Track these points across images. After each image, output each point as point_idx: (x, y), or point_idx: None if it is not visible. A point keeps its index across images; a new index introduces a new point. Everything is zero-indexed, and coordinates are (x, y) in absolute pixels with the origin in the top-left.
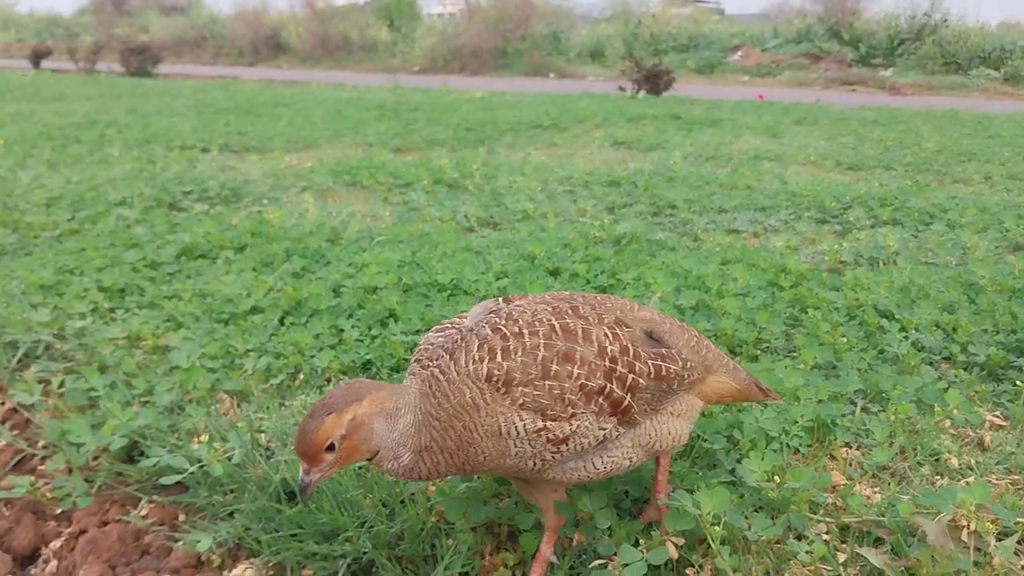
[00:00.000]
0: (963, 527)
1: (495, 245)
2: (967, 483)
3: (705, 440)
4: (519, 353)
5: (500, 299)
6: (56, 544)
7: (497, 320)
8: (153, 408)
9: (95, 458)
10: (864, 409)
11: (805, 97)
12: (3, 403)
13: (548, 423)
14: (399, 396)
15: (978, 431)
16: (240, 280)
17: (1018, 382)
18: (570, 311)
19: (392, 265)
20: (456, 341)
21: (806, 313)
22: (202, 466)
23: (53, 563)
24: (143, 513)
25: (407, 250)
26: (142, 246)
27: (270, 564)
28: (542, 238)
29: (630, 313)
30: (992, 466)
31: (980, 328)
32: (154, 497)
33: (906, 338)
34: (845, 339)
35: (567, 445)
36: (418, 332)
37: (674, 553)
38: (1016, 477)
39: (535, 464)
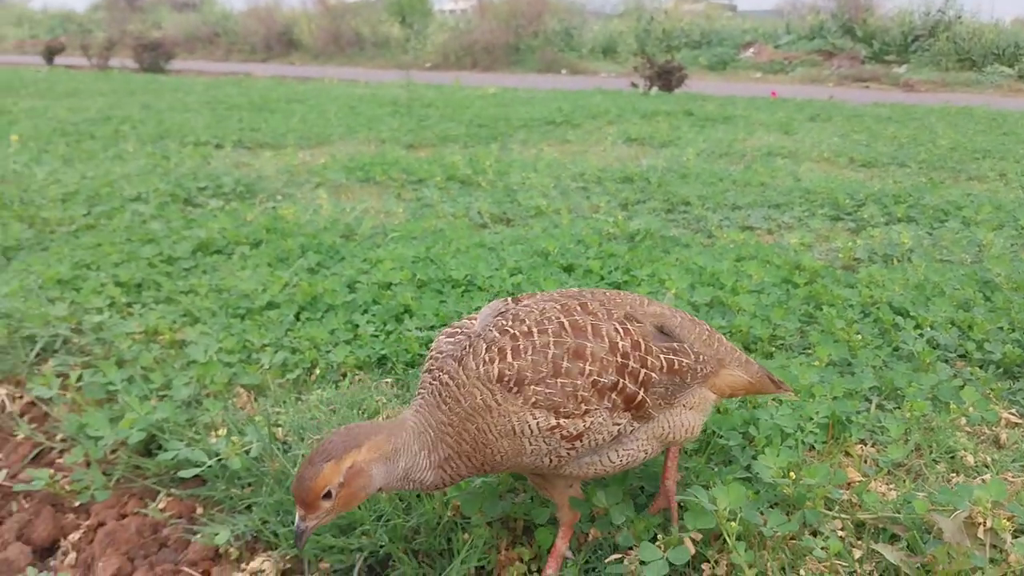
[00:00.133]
0: (979, 524)
1: (508, 241)
2: (983, 480)
3: (721, 436)
4: (529, 352)
5: (508, 299)
6: (75, 536)
7: (504, 322)
8: (171, 402)
9: (113, 451)
10: (879, 406)
11: (818, 94)
12: (21, 397)
13: (562, 420)
14: (396, 436)
15: (994, 429)
16: (256, 275)
17: None
18: (579, 308)
19: (406, 261)
20: (465, 347)
21: (821, 310)
22: (220, 460)
23: (72, 555)
24: (161, 506)
25: (421, 246)
26: (158, 241)
27: (287, 557)
28: (555, 234)
29: (640, 308)
30: (1008, 464)
31: (996, 326)
32: (172, 490)
33: (921, 335)
34: (860, 336)
35: (581, 441)
36: (432, 328)
37: (691, 549)
38: None
39: (551, 461)
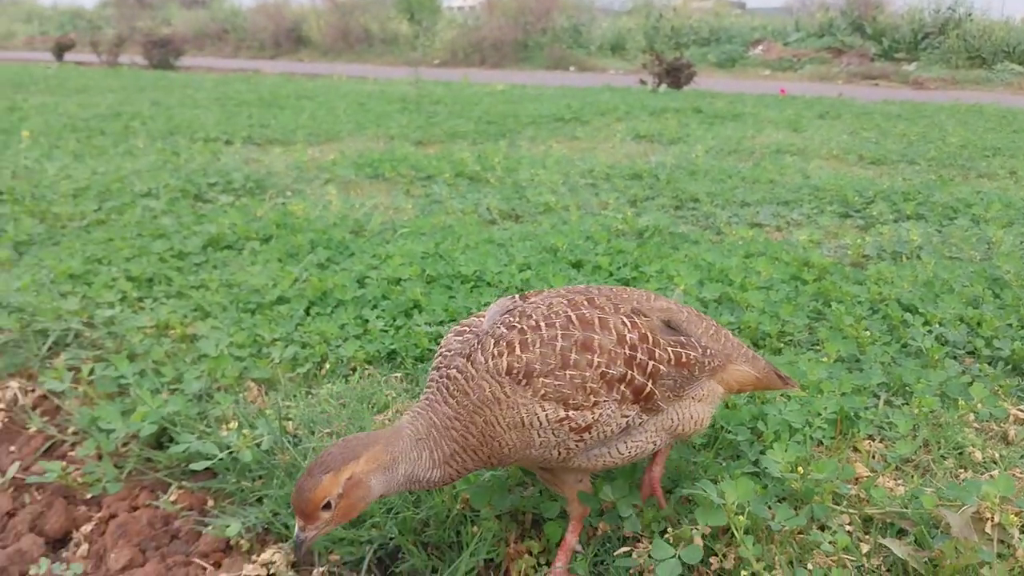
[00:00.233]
0: (987, 519)
1: (517, 237)
2: (991, 476)
3: (729, 431)
4: (537, 345)
5: (516, 296)
6: (87, 528)
7: (512, 319)
8: (182, 395)
9: (125, 444)
10: (887, 402)
11: (827, 91)
12: (34, 390)
13: (571, 412)
14: (393, 445)
15: (1002, 425)
16: (266, 271)
17: None
18: (586, 302)
19: (415, 257)
20: (473, 345)
21: (829, 307)
22: (231, 452)
23: (84, 546)
24: (172, 498)
25: (430, 242)
26: (169, 236)
27: None
28: (564, 231)
29: (647, 303)
30: (1016, 460)
31: (1005, 322)
32: (183, 483)
33: (930, 332)
34: (868, 333)
35: (590, 433)
36: (442, 323)
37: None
38: None
39: (559, 453)
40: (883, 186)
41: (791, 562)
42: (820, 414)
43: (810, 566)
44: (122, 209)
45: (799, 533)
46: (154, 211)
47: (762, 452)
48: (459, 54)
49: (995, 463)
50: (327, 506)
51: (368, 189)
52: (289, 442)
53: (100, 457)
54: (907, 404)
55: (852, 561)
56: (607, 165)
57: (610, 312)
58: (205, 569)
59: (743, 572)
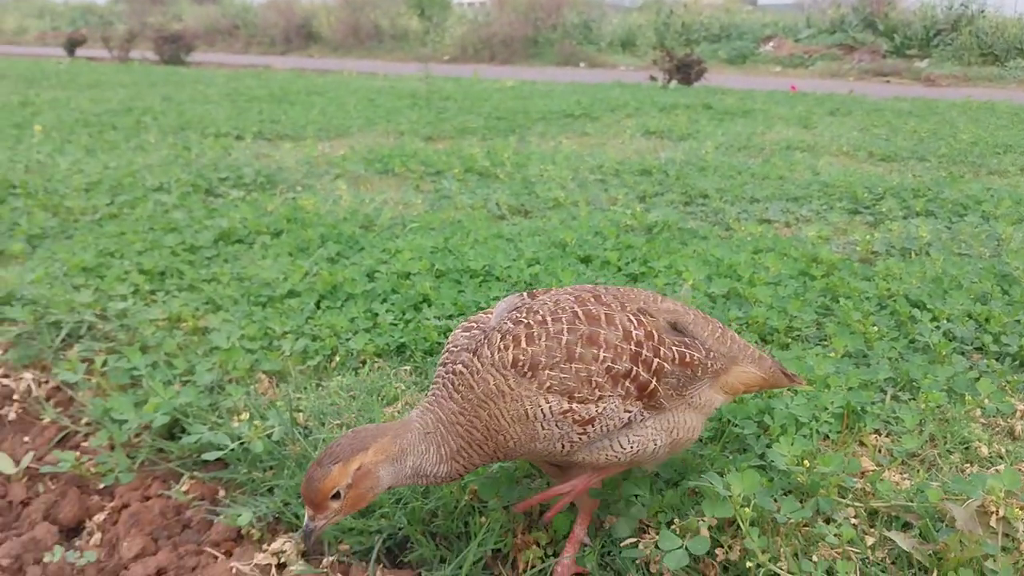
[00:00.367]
0: (992, 513)
1: (526, 232)
2: (997, 471)
3: (736, 425)
4: (543, 339)
5: (524, 294)
6: (100, 517)
7: (519, 315)
8: (194, 387)
9: (137, 435)
10: (894, 397)
11: (838, 88)
12: (47, 381)
13: (574, 405)
14: (402, 437)
15: (1009, 420)
16: (277, 264)
17: None
18: (593, 299)
19: (425, 251)
20: (480, 340)
21: (837, 302)
22: (242, 443)
23: (97, 535)
24: (184, 488)
25: (439, 237)
26: (181, 230)
27: None
28: (573, 226)
29: (654, 304)
30: (1023, 455)
31: (1013, 319)
32: (195, 473)
33: (937, 328)
34: (876, 328)
35: (593, 426)
36: (451, 317)
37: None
38: None
39: (563, 446)
40: (893, 183)
41: (796, 554)
42: (827, 408)
43: (815, 558)
44: (134, 203)
45: (804, 525)
46: (166, 205)
47: (768, 446)
48: (469, 50)
49: (1001, 458)
50: (336, 496)
51: (378, 184)
52: (300, 433)
53: (113, 447)
54: (914, 399)
55: (857, 553)
56: (617, 161)
57: (617, 310)
58: (216, 558)
59: (748, 563)
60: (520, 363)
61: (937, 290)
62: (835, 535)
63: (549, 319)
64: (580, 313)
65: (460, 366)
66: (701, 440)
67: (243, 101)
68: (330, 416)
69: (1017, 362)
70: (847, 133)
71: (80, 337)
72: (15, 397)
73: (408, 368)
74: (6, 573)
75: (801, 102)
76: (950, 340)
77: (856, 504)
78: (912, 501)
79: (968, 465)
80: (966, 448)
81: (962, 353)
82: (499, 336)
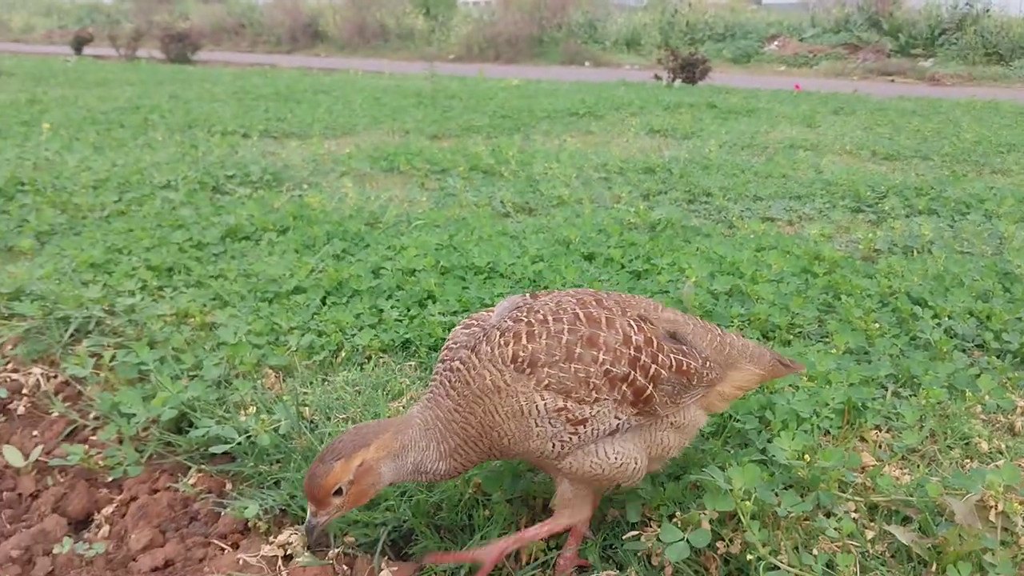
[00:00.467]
0: (991, 507)
1: (531, 230)
2: (997, 466)
3: (737, 420)
4: (544, 337)
5: (526, 294)
6: (108, 510)
7: (519, 314)
8: (201, 381)
9: (145, 429)
10: (895, 393)
11: (843, 87)
12: (56, 376)
13: (569, 403)
14: (403, 433)
15: (1009, 417)
16: (283, 261)
17: None
18: (594, 302)
19: (430, 248)
20: (479, 338)
21: (839, 300)
22: (249, 437)
23: (106, 527)
24: (192, 481)
25: (444, 234)
26: (188, 227)
27: None
28: (577, 223)
29: (654, 312)
30: (1023, 450)
31: (1015, 316)
32: (202, 466)
33: (939, 325)
34: (877, 325)
35: (584, 427)
36: (455, 313)
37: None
38: None
39: (554, 446)
40: (896, 181)
41: (796, 547)
42: (828, 404)
43: (815, 551)
44: (142, 200)
45: (805, 519)
46: (173, 202)
47: (769, 440)
48: (474, 49)
49: (1001, 454)
50: (338, 492)
51: (383, 182)
52: (306, 427)
53: (121, 441)
54: (915, 395)
55: (857, 547)
56: (621, 159)
57: (617, 314)
58: (223, 549)
59: (749, 556)
60: (520, 359)
61: (939, 288)
62: (835, 529)
63: (550, 318)
64: (581, 315)
65: (458, 362)
66: (703, 435)
67: (249, 99)
68: (336, 410)
69: (1018, 359)
70: (851, 132)
71: (88, 332)
72: (24, 391)
73: (413, 363)
74: (16, 564)
75: (805, 101)
76: (951, 337)
77: (856, 498)
78: (912, 496)
79: (968, 461)
80: (966, 444)
81: (963, 350)
82: (499, 333)
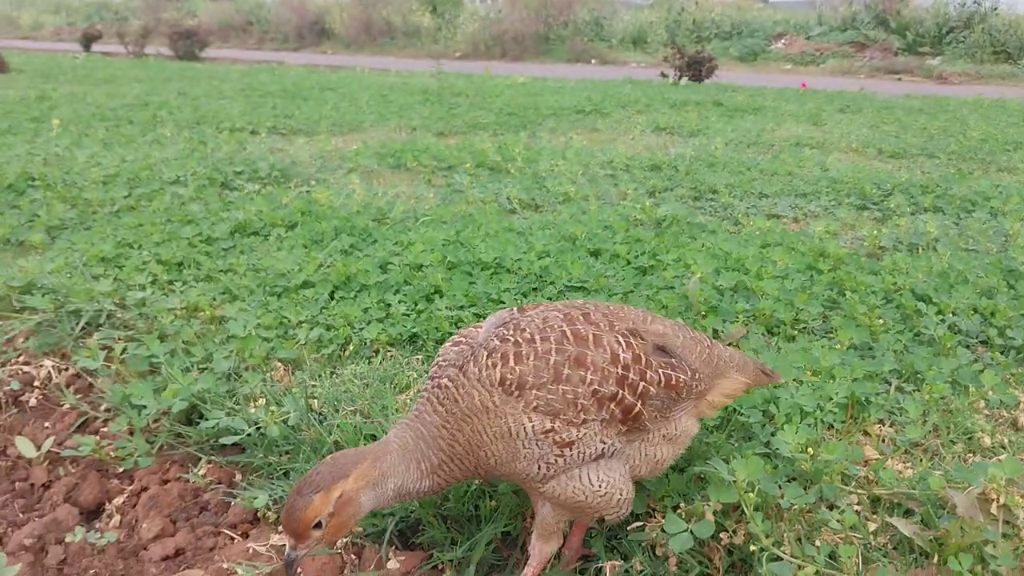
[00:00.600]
0: (993, 500)
1: (537, 226)
2: (999, 460)
3: (741, 414)
4: (531, 358)
5: (513, 309)
6: (119, 500)
7: (506, 332)
8: (211, 374)
9: (156, 420)
10: (899, 388)
11: (849, 86)
12: (68, 369)
13: (556, 425)
14: (381, 460)
15: (1012, 412)
16: (292, 256)
17: None
18: (581, 318)
19: (437, 244)
20: (467, 356)
21: (844, 296)
22: (258, 428)
23: (117, 517)
24: (202, 472)
25: (451, 230)
26: (197, 222)
27: None
28: (583, 220)
29: (643, 325)
30: None
31: (1019, 313)
32: (213, 457)
33: (943, 321)
34: (882, 321)
35: (571, 450)
36: (462, 308)
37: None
38: None
39: (539, 468)
40: (901, 179)
41: (799, 539)
42: (832, 399)
43: (818, 543)
44: (151, 196)
45: (808, 511)
46: (182, 198)
47: (773, 434)
48: (481, 47)
49: (1004, 448)
50: (318, 525)
51: (390, 178)
52: (314, 419)
53: (132, 432)
54: (918, 391)
55: (859, 539)
56: (627, 157)
57: (605, 330)
58: (233, 539)
59: (752, 547)
60: (508, 382)
61: (943, 284)
62: (838, 521)
63: (537, 338)
64: (568, 333)
65: (446, 380)
66: (707, 428)
67: (257, 96)
68: (344, 403)
69: (1021, 355)
70: (857, 130)
71: (99, 325)
72: (36, 384)
73: (420, 357)
74: (29, 552)
75: (811, 99)
76: (955, 333)
77: (859, 491)
78: (914, 489)
79: (971, 455)
80: (969, 438)
81: (967, 346)
82: (486, 354)
